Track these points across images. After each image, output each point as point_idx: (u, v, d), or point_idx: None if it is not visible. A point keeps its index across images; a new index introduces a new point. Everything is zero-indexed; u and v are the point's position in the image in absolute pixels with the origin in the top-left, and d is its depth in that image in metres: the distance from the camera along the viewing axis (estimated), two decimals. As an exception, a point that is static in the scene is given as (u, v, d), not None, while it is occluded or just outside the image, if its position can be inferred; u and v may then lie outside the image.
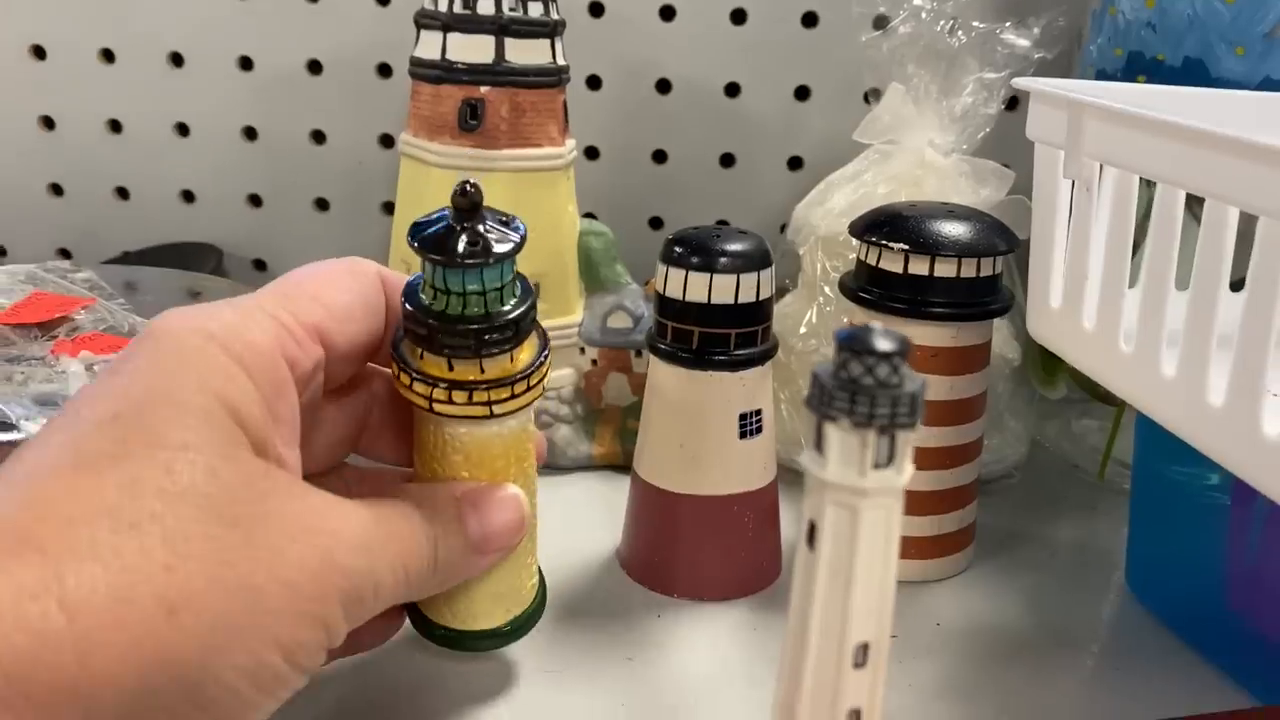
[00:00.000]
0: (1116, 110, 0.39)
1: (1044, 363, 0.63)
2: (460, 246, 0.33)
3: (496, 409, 0.35)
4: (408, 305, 0.35)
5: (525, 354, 0.36)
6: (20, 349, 0.46)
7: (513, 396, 0.35)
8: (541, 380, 0.37)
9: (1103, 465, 0.61)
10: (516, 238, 0.35)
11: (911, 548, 0.51)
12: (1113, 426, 0.61)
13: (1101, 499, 0.61)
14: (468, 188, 0.33)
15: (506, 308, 0.35)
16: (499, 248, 0.34)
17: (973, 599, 0.51)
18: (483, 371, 0.35)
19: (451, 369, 0.34)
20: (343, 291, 0.35)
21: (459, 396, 0.34)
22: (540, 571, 0.42)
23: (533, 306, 0.37)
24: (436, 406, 0.35)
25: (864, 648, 0.26)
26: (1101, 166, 0.42)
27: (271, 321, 0.31)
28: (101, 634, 0.24)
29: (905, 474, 0.26)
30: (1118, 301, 0.41)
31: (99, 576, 0.24)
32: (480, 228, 0.34)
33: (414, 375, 0.35)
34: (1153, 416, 0.39)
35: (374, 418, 0.39)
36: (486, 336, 0.34)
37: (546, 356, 0.37)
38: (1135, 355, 0.40)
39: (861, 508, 0.25)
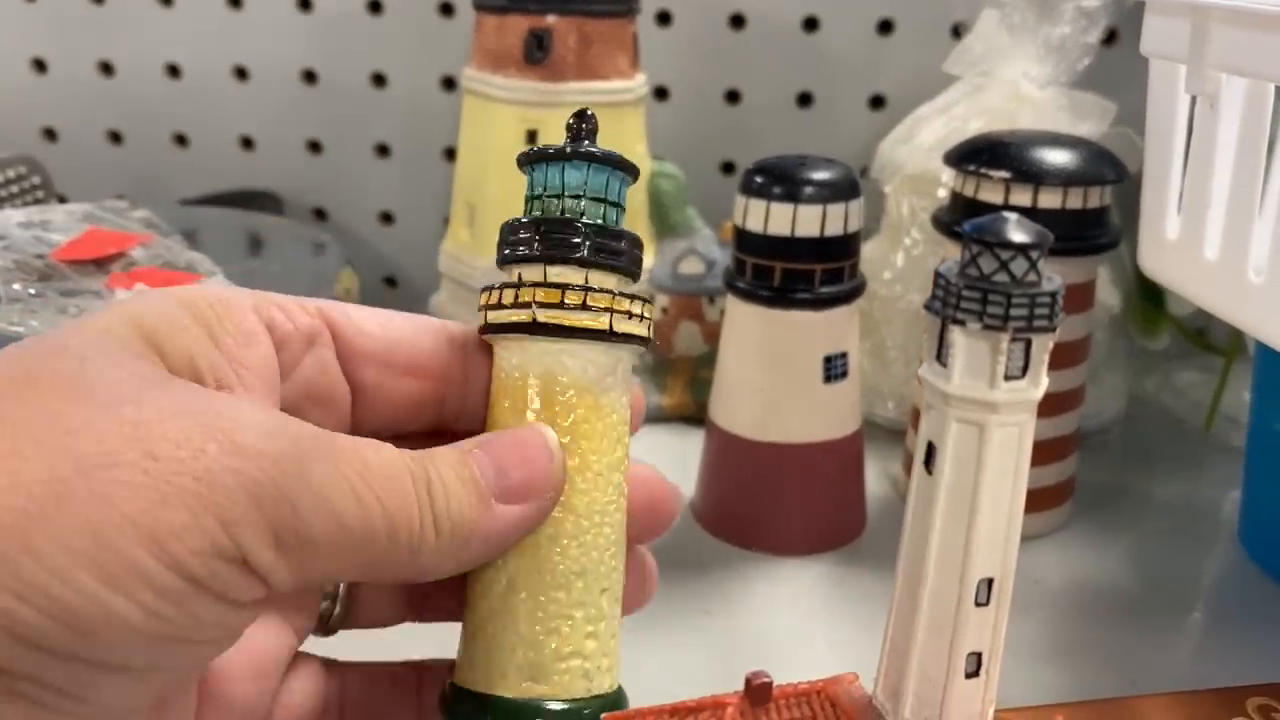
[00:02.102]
0: (1249, 11, 0.36)
1: (1145, 310, 0.59)
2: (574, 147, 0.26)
3: (618, 323, 0.26)
4: (504, 239, 0.27)
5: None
6: (75, 284, 0.44)
7: (630, 316, 0.26)
8: (649, 328, 0.27)
9: (1209, 418, 0.57)
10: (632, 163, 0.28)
11: (1007, 501, 0.48)
12: (1220, 378, 0.57)
13: (1207, 454, 0.57)
14: (586, 112, 0.28)
15: (617, 225, 0.27)
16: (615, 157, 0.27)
17: (1073, 556, 0.48)
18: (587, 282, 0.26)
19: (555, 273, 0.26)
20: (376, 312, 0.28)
21: (572, 298, 0.25)
22: (614, 664, 0.28)
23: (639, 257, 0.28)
24: (541, 315, 0.25)
25: (988, 583, 0.23)
26: (1228, 79, 0.38)
27: (250, 292, 0.26)
28: None
29: (1041, 386, 0.23)
30: (1247, 228, 0.37)
31: None
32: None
33: (508, 287, 0.26)
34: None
35: None
36: (599, 241, 0.26)
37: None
38: (1268, 286, 0.36)
39: (990, 424, 0.22)
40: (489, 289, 0.27)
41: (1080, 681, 0.40)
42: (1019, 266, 0.21)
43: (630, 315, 0.26)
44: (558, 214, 0.26)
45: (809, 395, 0.46)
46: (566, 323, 0.25)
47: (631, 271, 0.27)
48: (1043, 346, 0.22)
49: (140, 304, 0.24)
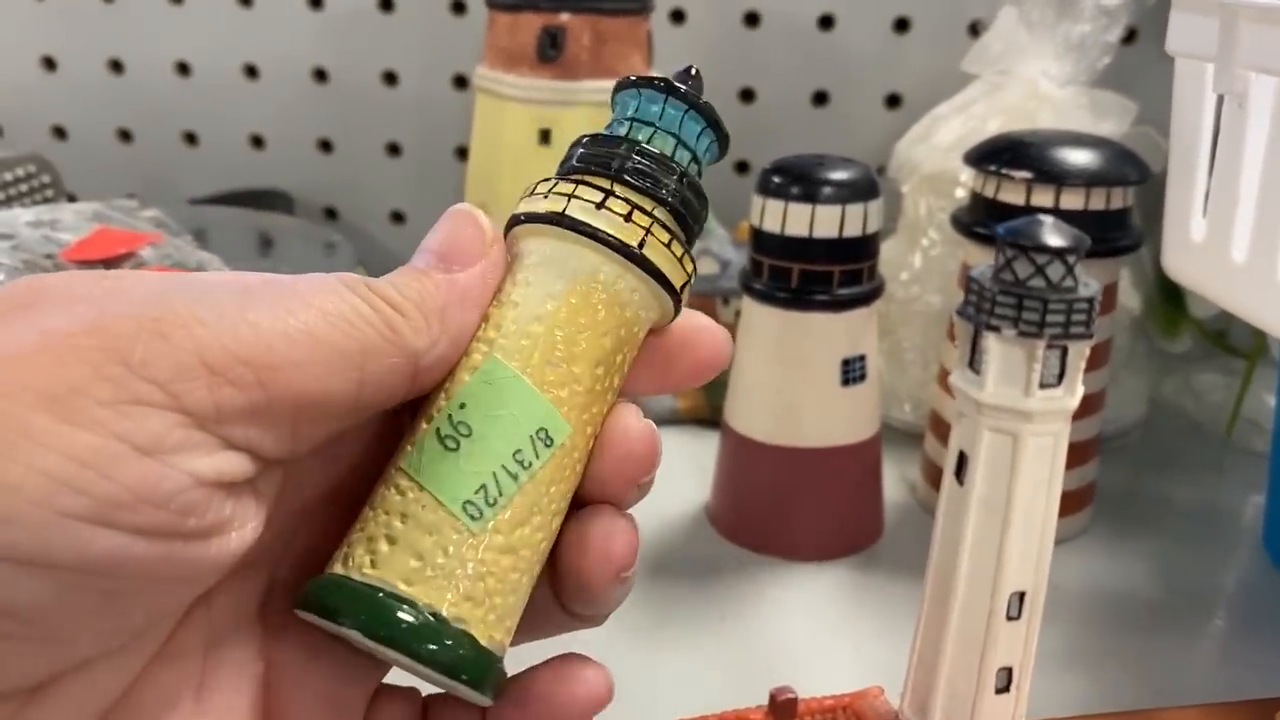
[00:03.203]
0: (1278, 9, 0.35)
1: (1166, 312, 0.58)
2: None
3: (651, 250, 0.22)
4: (578, 146, 0.24)
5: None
6: (82, 284, 0.44)
7: (672, 257, 0.23)
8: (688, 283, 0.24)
9: (1231, 422, 0.56)
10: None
11: (1026, 506, 0.47)
12: (1243, 381, 0.56)
13: (1229, 459, 0.56)
14: (693, 69, 0.25)
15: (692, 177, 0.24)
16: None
17: (1094, 562, 0.47)
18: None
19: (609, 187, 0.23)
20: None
21: (617, 206, 0.22)
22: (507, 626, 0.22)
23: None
24: (572, 207, 0.22)
25: (1020, 597, 0.23)
26: (1256, 78, 0.37)
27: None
28: None
29: (1077, 395, 0.22)
30: (1276, 229, 0.36)
31: None
32: None
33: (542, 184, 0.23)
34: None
35: None
36: (676, 184, 0.23)
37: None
38: (1298, 289, 0.35)
39: (1024, 434, 0.22)
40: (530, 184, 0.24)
41: (1104, 691, 0.39)
42: (1055, 271, 0.21)
43: (672, 255, 0.23)
44: (640, 139, 0.23)
45: (827, 398, 0.45)
46: (598, 224, 0.22)
47: (691, 226, 0.24)
48: (1079, 354, 0.21)
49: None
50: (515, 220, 0.23)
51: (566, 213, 0.22)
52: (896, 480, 0.52)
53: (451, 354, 0.21)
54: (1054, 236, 0.21)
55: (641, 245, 0.22)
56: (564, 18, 0.54)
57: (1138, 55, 0.42)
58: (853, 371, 0.45)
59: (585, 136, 0.23)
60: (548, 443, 0.22)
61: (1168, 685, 0.39)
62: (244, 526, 0.19)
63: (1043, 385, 0.21)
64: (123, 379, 0.17)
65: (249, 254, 0.58)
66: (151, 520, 0.17)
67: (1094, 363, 0.47)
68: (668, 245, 0.22)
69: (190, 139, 0.74)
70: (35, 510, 0.16)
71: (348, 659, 0.22)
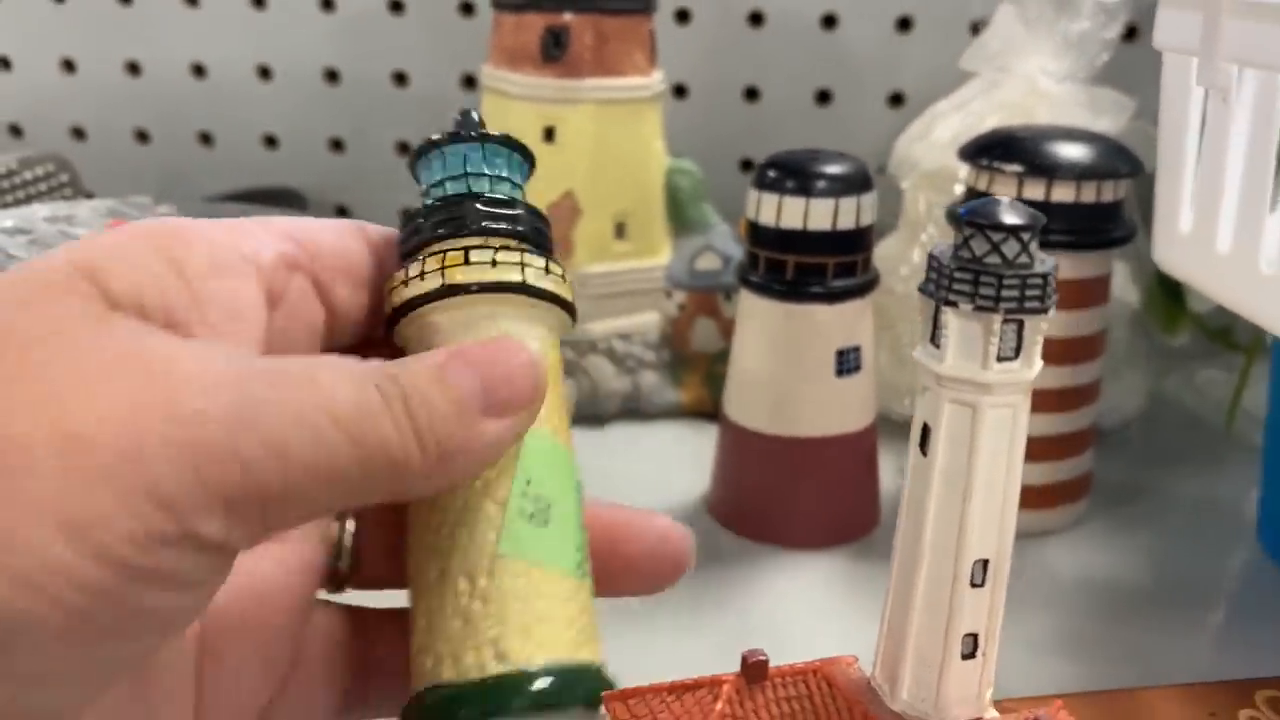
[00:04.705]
0: (1261, 3, 0.35)
1: (1166, 305, 0.58)
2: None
3: (532, 278, 0.23)
4: (402, 231, 0.25)
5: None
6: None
7: (548, 274, 0.24)
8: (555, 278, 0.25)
9: (1230, 416, 0.57)
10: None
11: (1022, 497, 0.48)
12: (1241, 374, 0.56)
13: (1228, 453, 0.56)
14: (469, 112, 0.25)
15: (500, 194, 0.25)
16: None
17: (1088, 552, 0.48)
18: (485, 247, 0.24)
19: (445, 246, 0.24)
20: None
21: (479, 256, 0.23)
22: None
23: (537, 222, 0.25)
24: (452, 276, 0.23)
25: (983, 564, 0.23)
26: (1240, 72, 0.38)
27: (225, 221, 0.23)
28: None
29: (1034, 368, 0.23)
30: (1259, 220, 0.37)
31: None
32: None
33: (411, 262, 0.24)
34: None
35: None
36: (497, 211, 0.24)
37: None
38: (1278, 278, 0.36)
39: (983, 405, 0.22)
40: (390, 278, 0.24)
41: (1090, 674, 0.39)
42: (1011, 248, 0.22)
43: (548, 272, 0.24)
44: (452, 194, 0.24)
45: (822, 389, 0.46)
46: (483, 278, 0.23)
47: (538, 242, 0.25)
48: (1035, 328, 0.22)
49: (91, 238, 0.21)
50: (452, 290, 0.23)
51: (527, 281, 0.23)
52: (895, 472, 0.53)
53: (445, 488, 0.22)
54: (1010, 215, 0.22)
55: (551, 282, 0.24)
56: (567, 17, 0.55)
57: (1137, 52, 0.42)
58: (848, 362, 0.46)
59: (424, 208, 0.24)
60: (579, 482, 0.24)
61: (1155, 669, 0.40)
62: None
63: (1000, 358, 0.22)
64: (147, 515, 0.18)
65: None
66: (168, 620, 0.20)
67: (1088, 354, 0.48)
68: (559, 274, 0.24)
69: (205, 139, 0.75)
70: (53, 642, 0.18)
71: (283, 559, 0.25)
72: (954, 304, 0.22)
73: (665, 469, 0.54)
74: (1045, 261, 0.22)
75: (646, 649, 0.40)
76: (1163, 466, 0.55)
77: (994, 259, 0.22)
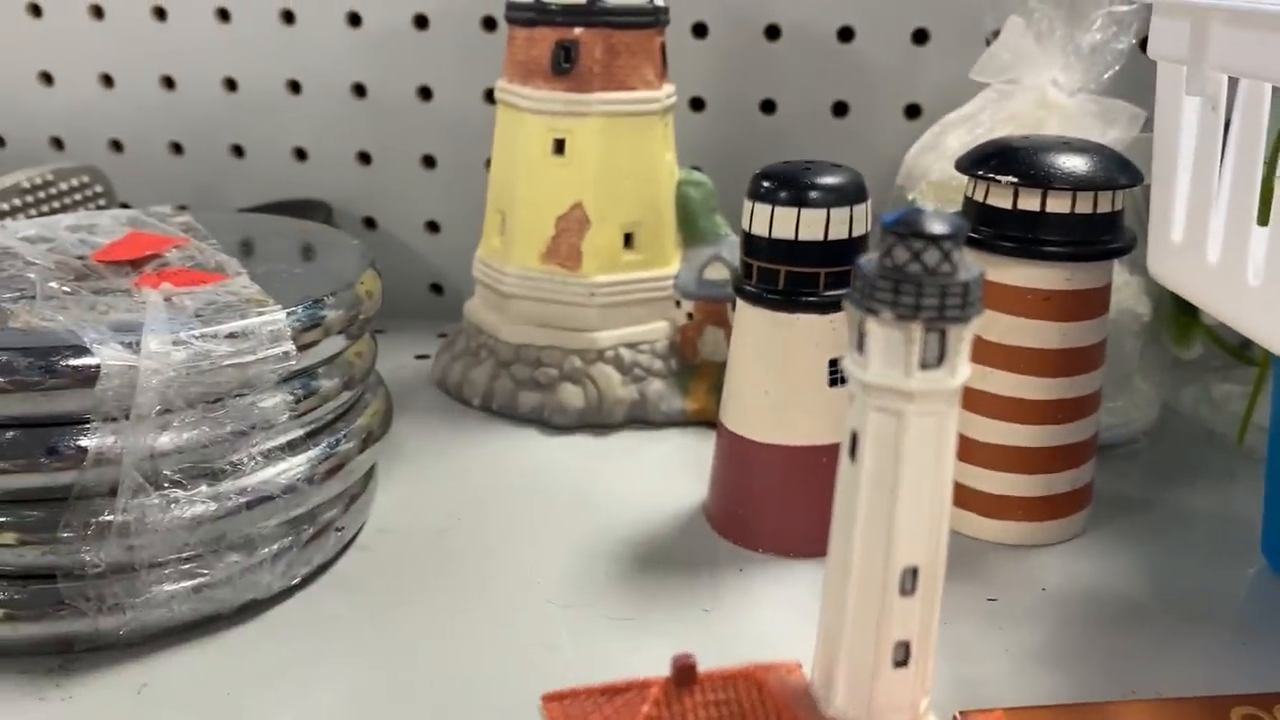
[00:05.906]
0: (1247, 11, 0.35)
1: (1178, 318, 0.58)
2: None
3: None
4: None
5: None
6: (108, 283, 0.46)
7: None
8: None
9: (1242, 429, 0.56)
10: None
11: (1018, 508, 0.48)
12: (1254, 388, 0.56)
13: (1239, 466, 0.56)
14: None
15: None
16: None
17: (1085, 564, 0.47)
18: None
19: None
20: None
21: None
22: None
23: None
24: None
25: (913, 572, 0.24)
26: (1230, 81, 0.38)
27: None
28: None
29: (959, 375, 0.23)
30: (1245, 230, 0.37)
31: None
32: None
33: None
34: (1281, 352, 0.35)
35: None
36: None
37: None
38: (1266, 289, 0.36)
39: (907, 413, 0.23)
40: None
41: (1076, 687, 0.39)
42: (931, 257, 0.22)
43: None
44: None
45: (815, 398, 0.46)
46: None
47: None
48: (958, 336, 0.22)
49: None
50: None
51: None
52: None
53: None
54: (931, 224, 0.22)
55: None
56: (577, 32, 0.56)
57: (1150, 63, 0.42)
58: (840, 371, 0.46)
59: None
60: None
61: (1144, 683, 0.39)
62: None
63: (924, 366, 0.22)
64: None
65: (292, 258, 0.60)
66: None
67: (1086, 365, 0.47)
68: None
69: (237, 151, 0.77)
70: None
71: None
72: (875, 312, 0.22)
73: (668, 477, 0.54)
74: (970, 269, 0.22)
75: (640, 654, 0.41)
76: (1171, 480, 0.55)
77: (915, 267, 0.22)
